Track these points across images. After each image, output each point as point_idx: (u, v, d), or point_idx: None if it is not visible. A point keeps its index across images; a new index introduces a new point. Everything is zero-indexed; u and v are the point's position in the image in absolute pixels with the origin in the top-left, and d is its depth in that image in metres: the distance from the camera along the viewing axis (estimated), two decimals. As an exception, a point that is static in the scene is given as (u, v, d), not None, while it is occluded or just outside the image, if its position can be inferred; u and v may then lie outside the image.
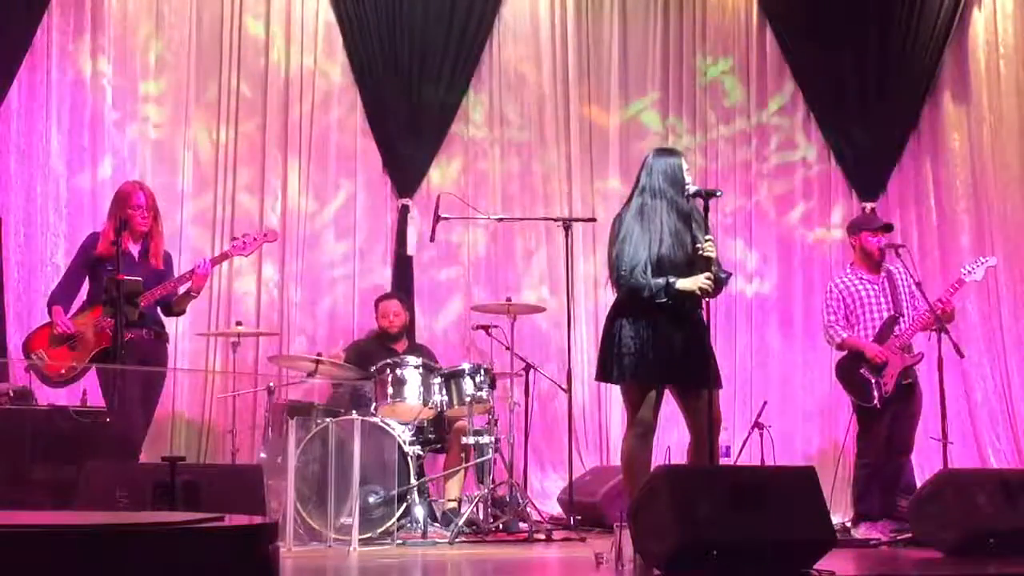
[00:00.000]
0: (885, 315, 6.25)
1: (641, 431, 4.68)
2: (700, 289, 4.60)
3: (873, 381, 6.11)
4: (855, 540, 5.90)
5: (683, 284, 4.62)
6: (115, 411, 5.51)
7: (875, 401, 6.11)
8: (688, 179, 4.79)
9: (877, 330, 6.23)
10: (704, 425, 4.63)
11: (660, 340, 4.64)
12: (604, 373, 4.79)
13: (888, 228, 6.52)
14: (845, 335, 6.27)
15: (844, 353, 6.34)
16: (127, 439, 5.71)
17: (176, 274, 6.17)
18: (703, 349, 4.68)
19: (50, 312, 6.00)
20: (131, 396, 5.72)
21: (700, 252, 4.66)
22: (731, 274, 4.82)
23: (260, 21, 7.80)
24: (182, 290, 6.12)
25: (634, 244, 4.68)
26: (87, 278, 6.09)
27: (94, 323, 5.84)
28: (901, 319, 6.22)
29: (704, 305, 4.68)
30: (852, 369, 6.23)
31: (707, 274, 4.62)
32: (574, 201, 8.19)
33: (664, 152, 4.99)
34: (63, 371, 5.86)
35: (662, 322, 4.65)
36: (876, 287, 6.32)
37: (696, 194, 4.78)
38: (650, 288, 4.61)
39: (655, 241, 4.68)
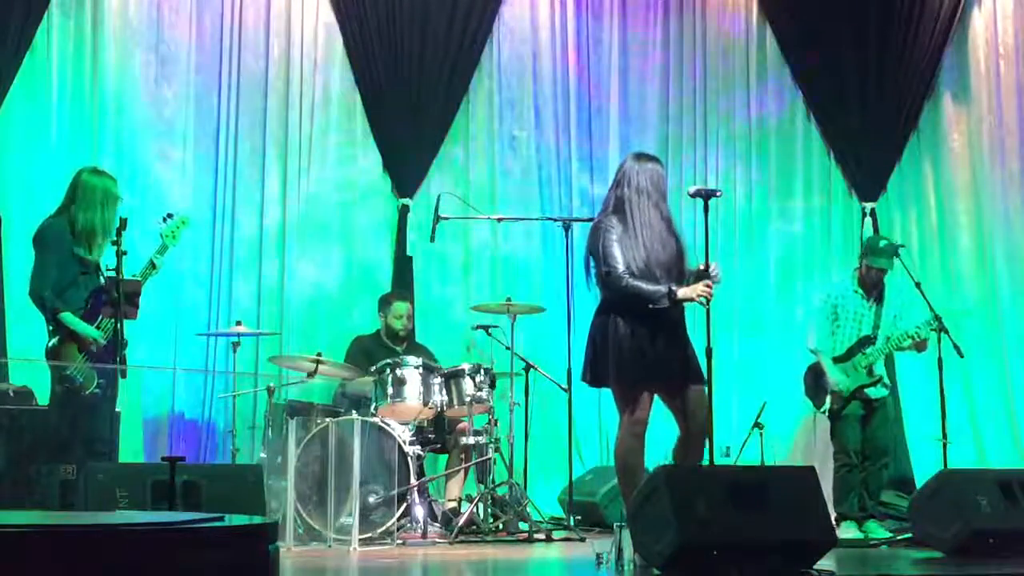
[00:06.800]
0: (860, 335, 6.35)
1: (637, 431, 4.72)
2: (698, 296, 4.63)
3: (829, 393, 6.28)
4: (855, 540, 5.91)
5: (683, 293, 4.65)
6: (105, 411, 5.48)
7: (821, 407, 6.36)
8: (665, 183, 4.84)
9: (847, 348, 6.33)
10: (694, 423, 4.70)
11: (648, 341, 4.68)
12: (592, 376, 4.83)
13: (887, 268, 6.41)
14: (818, 346, 6.38)
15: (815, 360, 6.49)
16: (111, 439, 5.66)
17: None
18: (686, 348, 4.77)
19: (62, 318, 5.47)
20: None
21: (702, 269, 4.68)
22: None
23: (260, 21, 7.79)
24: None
25: (626, 248, 4.71)
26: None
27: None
28: (874, 340, 6.32)
29: (706, 309, 4.70)
30: (818, 375, 6.38)
31: (706, 282, 4.64)
32: (574, 201, 8.19)
33: (643, 157, 4.96)
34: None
35: (649, 324, 4.68)
36: (864, 306, 6.39)
37: (696, 194, 4.80)
38: (650, 294, 4.63)
39: (642, 244, 4.71)
